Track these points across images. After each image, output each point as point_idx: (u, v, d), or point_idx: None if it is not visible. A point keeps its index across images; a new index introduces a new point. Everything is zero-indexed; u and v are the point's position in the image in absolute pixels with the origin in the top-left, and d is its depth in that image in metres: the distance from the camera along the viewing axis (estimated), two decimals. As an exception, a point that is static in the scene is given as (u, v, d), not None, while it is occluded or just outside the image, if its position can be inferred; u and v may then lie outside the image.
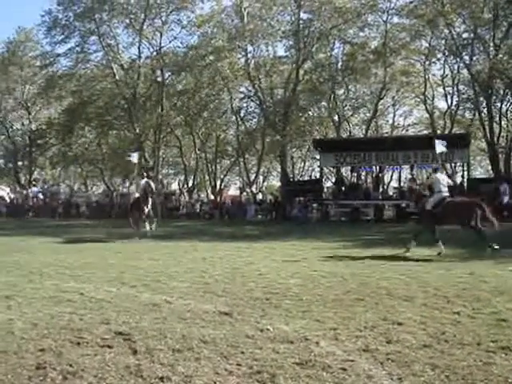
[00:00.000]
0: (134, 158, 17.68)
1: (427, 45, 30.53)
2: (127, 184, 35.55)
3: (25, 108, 38.53)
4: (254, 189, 34.71)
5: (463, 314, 5.31)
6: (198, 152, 36.07)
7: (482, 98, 27.85)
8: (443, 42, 29.62)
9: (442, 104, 33.83)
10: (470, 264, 8.82)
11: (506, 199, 20.50)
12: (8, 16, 64.21)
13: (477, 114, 28.79)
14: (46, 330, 4.84)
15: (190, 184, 37.47)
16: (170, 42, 33.32)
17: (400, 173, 27.82)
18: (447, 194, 11.24)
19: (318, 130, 34.78)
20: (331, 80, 31.22)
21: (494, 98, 28.21)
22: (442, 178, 11.52)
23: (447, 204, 10.93)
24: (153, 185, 15.99)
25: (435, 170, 12.05)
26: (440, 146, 12.96)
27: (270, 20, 31.10)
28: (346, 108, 34.43)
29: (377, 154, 24.47)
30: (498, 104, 28.87)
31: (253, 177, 37.17)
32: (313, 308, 5.67)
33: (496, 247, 10.00)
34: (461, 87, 30.80)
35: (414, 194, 12.71)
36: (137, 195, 15.78)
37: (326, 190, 28.60)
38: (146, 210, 15.34)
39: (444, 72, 31.60)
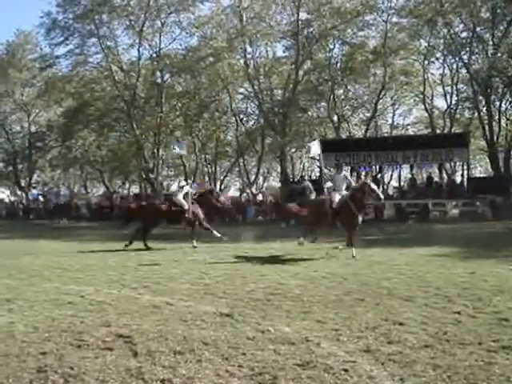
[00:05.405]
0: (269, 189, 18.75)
1: (426, 44, 30.52)
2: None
3: (24, 110, 38.49)
4: (253, 189, 34.64)
5: (464, 313, 5.31)
6: (197, 153, 36.09)
7: (481, 97, 27.82)
8: (442, 41, 29.65)
9: (441, 103, 33.79)
10: (471, 263, 8.81)
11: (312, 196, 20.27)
12: (7, 18, 64.22)
13: (476, 113, 28.75)
14: (47, 332, 4.84)
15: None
16: (170, 43, 33.32)
17: (400, 172, 27.79)
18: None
19: (318, 130, 34.76)
20: (330, 80, 31.19)
21: (493, 96, 28.16)
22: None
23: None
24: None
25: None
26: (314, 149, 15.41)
27: (269, 20, 31.11)
28: (345, 108, 34.35)
29: (376, 153, 24.48)
30: (497, 103, 28.83)
31: (253, 178, 37.17)
32: (314, 309, 5.67)
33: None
34: (460, 86, 30.75)
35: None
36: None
37: (325, 190, 28.55)
38: None
39: (443, 71, 31.58)
